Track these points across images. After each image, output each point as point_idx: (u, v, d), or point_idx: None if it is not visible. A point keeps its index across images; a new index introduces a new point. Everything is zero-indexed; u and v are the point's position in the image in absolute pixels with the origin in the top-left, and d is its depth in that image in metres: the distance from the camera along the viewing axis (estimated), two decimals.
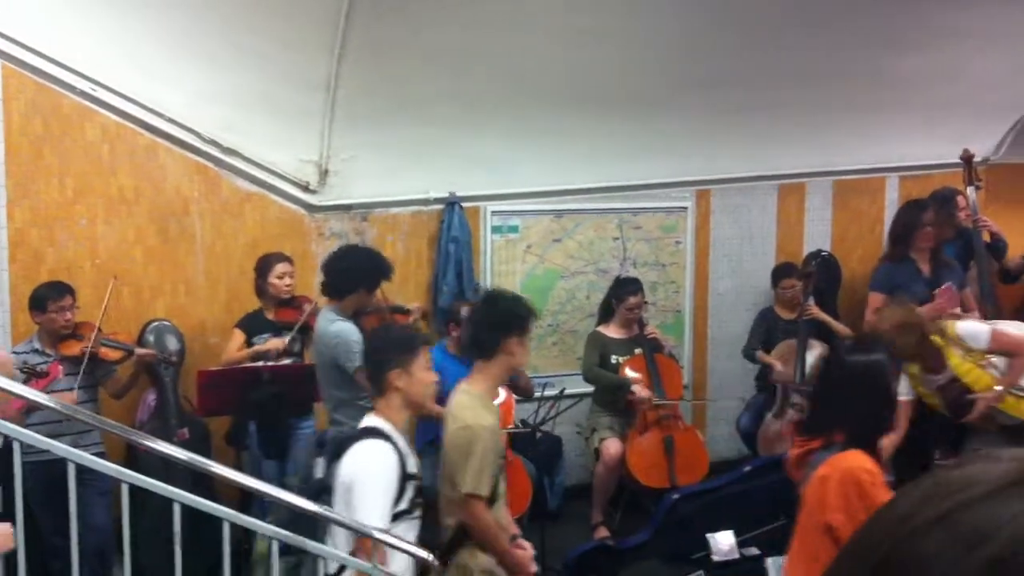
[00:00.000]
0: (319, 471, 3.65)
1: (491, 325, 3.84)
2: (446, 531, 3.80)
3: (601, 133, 6.54)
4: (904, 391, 4.89)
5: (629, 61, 5.99)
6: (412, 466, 3.58)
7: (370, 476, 3.42)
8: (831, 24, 6.12)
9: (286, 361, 5.28)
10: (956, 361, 4.90)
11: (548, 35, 5.59)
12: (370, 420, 3.62)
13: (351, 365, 4.61)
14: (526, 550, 3.89)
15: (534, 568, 3.91)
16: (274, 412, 4.96)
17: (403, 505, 3.48)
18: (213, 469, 3.71)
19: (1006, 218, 7.68)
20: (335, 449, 3.59)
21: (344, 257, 4.87)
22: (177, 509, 3.45)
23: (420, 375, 3.66)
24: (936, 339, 4.93)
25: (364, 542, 3.40)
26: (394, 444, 3.50)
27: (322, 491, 3.57)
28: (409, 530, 3.54)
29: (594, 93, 6.19)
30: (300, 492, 3.72)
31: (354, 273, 4.77)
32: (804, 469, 3.50)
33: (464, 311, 5.82)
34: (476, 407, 3.76)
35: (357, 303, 4.78)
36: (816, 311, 6.56)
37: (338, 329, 4.65)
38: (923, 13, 6.21)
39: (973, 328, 4.97)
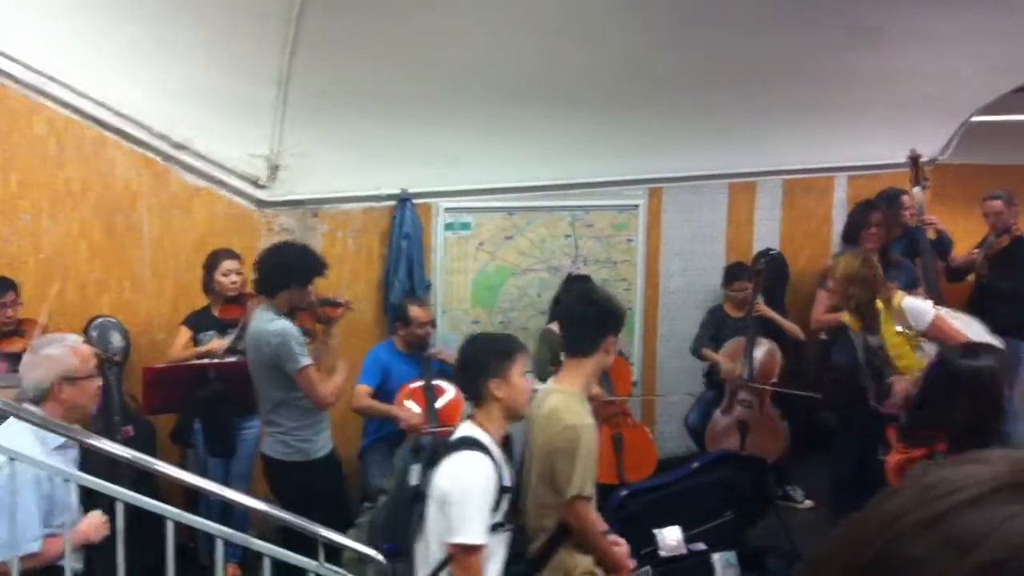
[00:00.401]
0: (414, 478, 3.58)
1: (594, 323, 3.82)
2: (540, 534, 3.75)
3: (554, 131, 6.55)
4: None
5: (583, 60, 6.01)
6: (507, 479, 3.53)
7: (469, 491, 3.36)
8: (782, 25, 6.18)
9: (232, 359, 5.23)
10: (890, 331, 4.91)
11: (501, 33, 5.59)
12: (467, 430, 3.55)
13: (293, 365, 4.56)
14: (622, 546, 3.87)
15: (632, 564, 3.90)
16: (220, 410, 4.91)
17: (497, 518, 3.44)
18: (157, 468, 3.69)
19: (952, 217, 7.83)
20: (430, 457, 3.54)
21: (275, 253, 4.78)
22: (120, 508, 3.42)
23: (518, 382, 3.58)
24: (879, 305, 4.97)
25: (457, 555, 3.35)
26: (491, 456, 3.44)
27: (416, 498, 3.51)
28: (500, 543, 3.50)
29: (547, 91, 6.20)
30: (393, 497, 3.68)
31: (284, 269, 4.69)
32: (902, 477, 3.44)
33: (412, 310, 5.80)
34: (574, 406, 3.71)
35: (290, 300, 4.70)
36: (765, 309, 6.64)
37: (278, 328, 4.57)
38: (873, 14, 6.29)
39: (919, 307, 4.97)
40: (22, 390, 3.62)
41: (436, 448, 3.59)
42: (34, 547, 3.43)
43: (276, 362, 4.59)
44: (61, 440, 3.56)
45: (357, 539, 3.74)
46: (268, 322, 4.62)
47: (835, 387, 5.91)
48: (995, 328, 4.99)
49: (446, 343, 6.01)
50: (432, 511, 3.43)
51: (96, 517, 3.62)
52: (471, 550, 3.32)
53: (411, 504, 3.52)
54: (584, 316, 3.89)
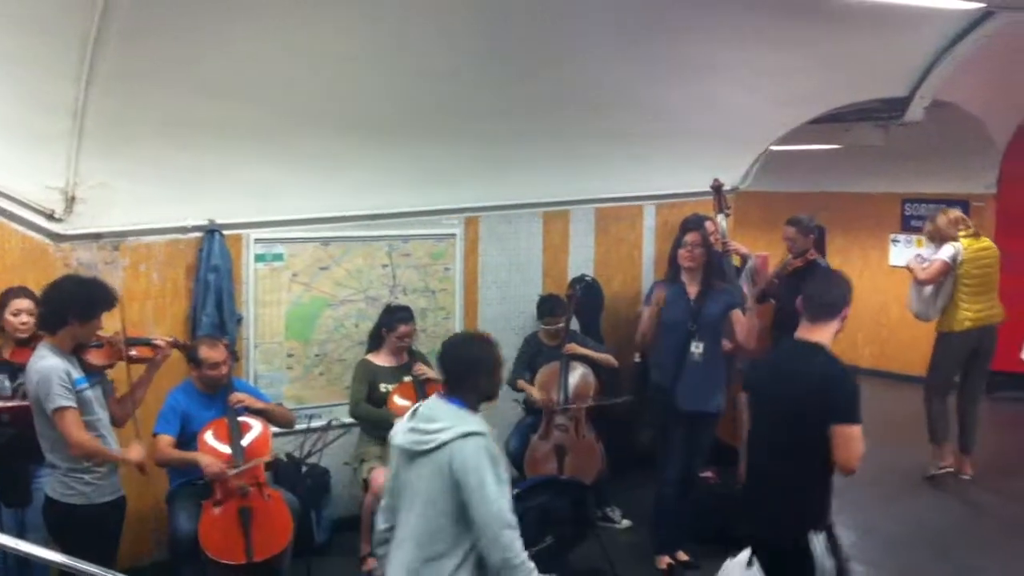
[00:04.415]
0: None
1: None
2: None
3: (369, 160, 6.51)
4: None
5: (396, 89, 5.99)
6: None
7: None
8: (589, 57, 6.34)
9: (26, 402, 4.88)
10: None
11: (312, 61, 5.51)
12: None
13: (50, 405, 4.35)
14: None
15: None
16: (12, 456, 4.62)
17: None
18: None
19: (755, 243, 8.23)
20: None
21: (54, 288, 4.55)
22: None
23: None
24: None
25: None
26: None
27: None
28: None
29: (361, 120, 6.15)
30: None
31: (63, 304, 4.47)
32: None
33: (202, 351, 5.53)
34: None
35: (74, 336, 4.50)
36: (576, 348, 6.73)
37: (42, 367, 4.38)
38: (678, 47, 6.54)
39: None
40: None
41: None
42: None
43: (39, 402, 4.39)
44: None
45: None
46: (38, 360, 4.42)
47: (654, 405, 6.08)
48: None
49: (248, 390, 5.81)
50: None
51: None
52: None
53: None
54: None
